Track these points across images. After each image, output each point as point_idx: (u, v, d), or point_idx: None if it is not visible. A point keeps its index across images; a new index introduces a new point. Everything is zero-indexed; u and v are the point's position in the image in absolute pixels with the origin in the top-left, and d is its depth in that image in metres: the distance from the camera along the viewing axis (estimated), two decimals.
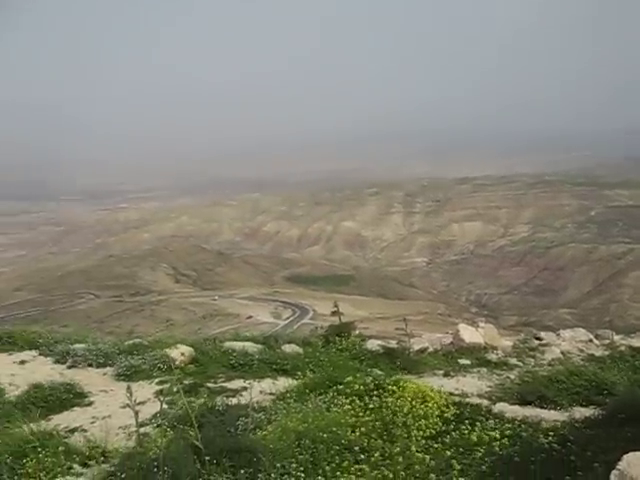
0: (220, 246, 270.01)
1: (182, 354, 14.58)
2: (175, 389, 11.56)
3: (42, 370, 14.19)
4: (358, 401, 9.18)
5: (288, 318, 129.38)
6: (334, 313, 19.72)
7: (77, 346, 15.95)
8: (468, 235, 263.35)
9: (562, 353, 16.74)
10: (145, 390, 12.44)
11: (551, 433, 7.78)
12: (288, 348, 15.65)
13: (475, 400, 10.78)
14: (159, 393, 12.12)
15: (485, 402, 10.68)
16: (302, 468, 6.92)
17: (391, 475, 6.77)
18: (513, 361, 15.68)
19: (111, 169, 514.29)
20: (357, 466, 7.04)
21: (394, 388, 9.60)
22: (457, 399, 10.32)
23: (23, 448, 8.19)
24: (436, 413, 8.83)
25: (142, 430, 8.51)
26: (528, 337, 18.47)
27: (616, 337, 18.95)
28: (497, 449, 7.48)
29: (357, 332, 17.72)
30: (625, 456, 5.09)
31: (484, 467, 7.04)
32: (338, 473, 6.87)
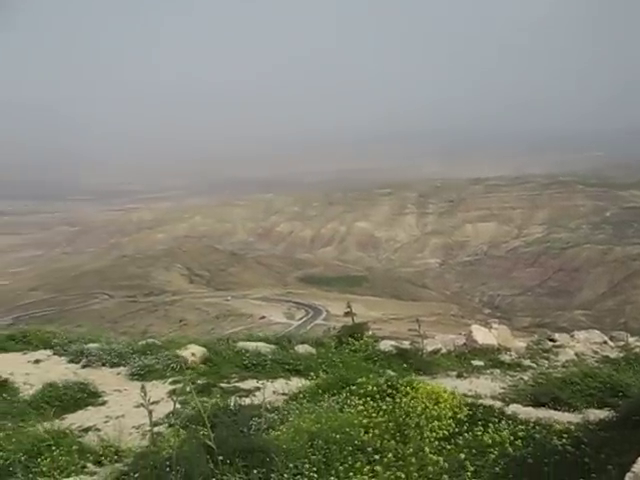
0: (233, 246, 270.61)
1: (195, 354, 14.62)
2: (188, 389, 11.61)
3: (56, 369, 14.26)
4: (371, 402, 9.16)
5: (301, 319, 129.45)
6: (347, 314, 19.73)
7: (91, 346, 16.02)
8: (482, 236, 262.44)
9: (576, 355, 16.64)
10: (158, 390, 12.48)
11: (565, 435, 7.73)
12: (301, 348, 15.64)
13: (488, 401, 10.73)
14: (172, 393, 12.18)
15: (498, 403, 10.62)
16: (315, 468, 6.91)
17: (404, 476, 6.76)
18: (526, 362, 15.59)
19: (114, 169, 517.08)
20: (370, 467, 7.02)
21: (407, 389, 9.58)
22: (470, 400, 10.27)
23: (37, 447, 8.26)
24: (449, 414, 8.80)
25: (155, 430, 8.53)
26: (542, 338, 18.37)
27: (631, 339, 18.85)
28: (510, 451, 7.45)
29: (370, 333, 17.66)
30: None
31: (497, 469, 7.02)
32: (351, 474, 6.86)
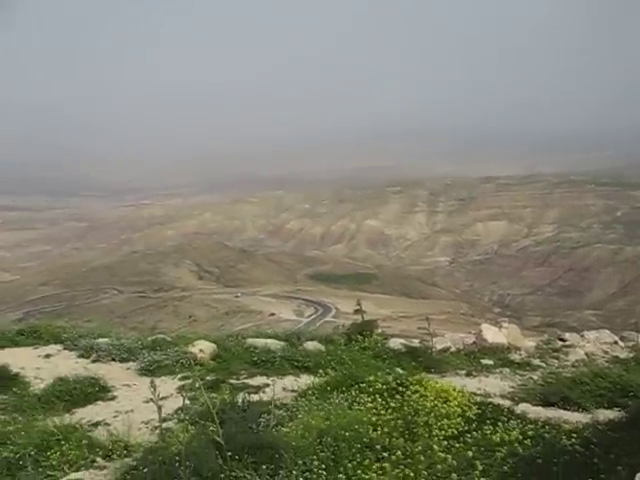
0: (243, 243, 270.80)
1: (204, 350, 14.65)
2: (197, 385, 11.64)
3: (66, 364, 14.32)
4: (380, 399, 9.16)
5: (310, 316, 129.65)
6: (357, 311, 19.74)
7: (101, 341, 16.09)
8: (492, 235, 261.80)
9: (586, 355, 16.56)
10: (168, 385, 12.52)
11: (574, 435, 7.70)
12: (310, 346, 15.64)
13: (497, 400, 10.72)
14: (181, 389, 12.22)
15: (507, 402, 10.61)
16: (324, 465, 6.92)
17: (412, 474, 6.76)
18: (536, 362, 15.53)
19: (121, 167, 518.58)
20: (378, 464, 7.03)
21: (416, 387, 9.58)
22: (479, 399, 10.26)
23: (47, 441, 8.30)
24: (458, 413, 8.79)
25: (164, 425, 8.56)
26: (552, 338, 18.28)
27: None
28: (519, 450, 7.44)
29: (379, 331, 17.67)
30: None
31: (506, 468, 7.01)
32: (359, 471, 6.87)
